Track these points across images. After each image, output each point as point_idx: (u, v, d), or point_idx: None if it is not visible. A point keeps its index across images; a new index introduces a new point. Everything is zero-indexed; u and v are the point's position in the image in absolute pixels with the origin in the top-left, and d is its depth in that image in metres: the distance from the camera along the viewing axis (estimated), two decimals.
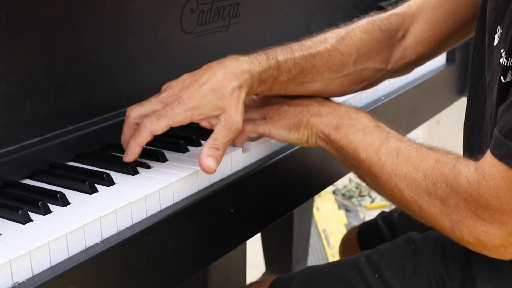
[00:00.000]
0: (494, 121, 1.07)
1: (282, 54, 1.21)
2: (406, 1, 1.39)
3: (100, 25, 1.25)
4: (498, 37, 1.09)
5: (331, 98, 1.30)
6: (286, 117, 1.24)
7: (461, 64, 2.05)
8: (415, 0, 1.38)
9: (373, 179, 1.14)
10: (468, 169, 1.02)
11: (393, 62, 1.35)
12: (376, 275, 1.24)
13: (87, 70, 1.25)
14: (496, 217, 0.99)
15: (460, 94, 2.13)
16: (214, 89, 1.12)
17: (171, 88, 1.14)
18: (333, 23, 1.87)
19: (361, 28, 1.31)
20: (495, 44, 1.09)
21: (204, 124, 1.14)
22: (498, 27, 1.09)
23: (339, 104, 1.25)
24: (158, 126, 1.10)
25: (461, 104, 3.02)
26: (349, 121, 1.19)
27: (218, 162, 1.11)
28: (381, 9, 2.02)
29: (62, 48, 1.20)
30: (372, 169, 1.13)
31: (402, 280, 1.22)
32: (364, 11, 1.97)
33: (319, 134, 1.22)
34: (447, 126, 3.43)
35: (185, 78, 1.16)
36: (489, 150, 0.99)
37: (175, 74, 1.41)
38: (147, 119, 1.11)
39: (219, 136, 1.12)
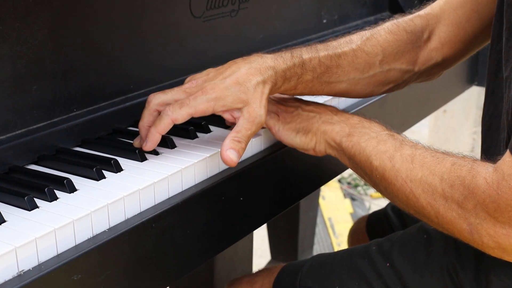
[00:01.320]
0: (511, 117, 1.05)
1: (306, 53, 1.21)
2: (429, 3, 1.39)
3: (108, 8, 1.24)
4: None
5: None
6: (297, 120, 1.23)
7: None
8: (438, 1, 1.38)
9: (386, 186, 1.11)
10: (486, 170, 0.99)
11: (420, 64, 1.34)
12: (388, 264, 1.23)
13: (95, 54, 1.23)
14: None
15: (470, 83, 2.12)
16: (238, 82, 1.12)
17: (195, 80, 1.14)
18: (343, 10, 1.87)
19: (386, 29, 1.31)
20: None
21: (227, 116, 1.13)
22: None
23: (352, 114, 1.24)
24: (180, 115, 1.10)
25: (469, 93, 3.01)
26: (362, 129, 1.17)
27: (240, 155, 1.10)
28: None
29: (70, 31, 1.18)
30: (386, 176, 1.10)
31: (413, 270, 1.21)
32: None
33: (330, 141, 1.20)
34: (454, 115, 3.40)
35: (210, 71, 1.16)
36: (508, 149, 0.96)
37: (184, 59, 1.40)
38: (169, 107, 1.11)
39: (241, 129, 1.11)
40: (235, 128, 1.11)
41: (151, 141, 1.12)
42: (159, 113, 1.13)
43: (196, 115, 1.11)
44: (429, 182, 1.04)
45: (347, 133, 1.18)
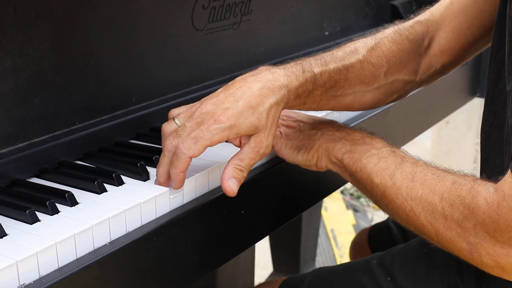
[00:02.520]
0: None
1: (316, 66, 1.16)
2: (427, 8, 1.37)
3: (110, 20, 1.24)
4: None
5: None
6: (299, 138, 1.22)
7: (473, 64, 2.05)
8: (437, 7, 1.35)
9: (387, 204, 1.11)
10: (487, 190, 0.98)
11: (421, 73, 1.33)
12: (389, 278, 1.22)
13: (97, 67, 1.24)
14: None
15: (472, 94, 2.13)
16: (251, 106, 1.06)
17: (204, 104, 1.07)
18: (345, 22, 1.87)
19: (389, 38, 1.28)
20: None
21: (236, 143, 1.09)
22: None
23: (353, 129, 1.24)
24: (197, 150, 1.04)
25: (471, 104, 3.01)
26: (363, 146, 1.17)
27: (240, 184, 1.07)
28: (393, 8, 2.02)
29: (72, 43, 1.18)
30: (387, 194, 1.10)
31: (414, 284, 1.20)
32: (376, 9, 1.97)
33: (332, 158, 1.20)
34: (457, 127, 3.40)
35: (219, 92, 1.09)
36: (509, 170, 0.96)
37: (186, 72, 1.41)
38: (183, 144, 1.04)
39: (245, 157, 1.07)
40: (239, 155, 1.08)
41: (177, 181, 1.07)
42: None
43: (212, 145, 1.06)
44: (429, 201, 1.04)
45: (349, 149, 1.17)
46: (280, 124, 1.24)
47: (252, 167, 1.19)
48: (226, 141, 1.08)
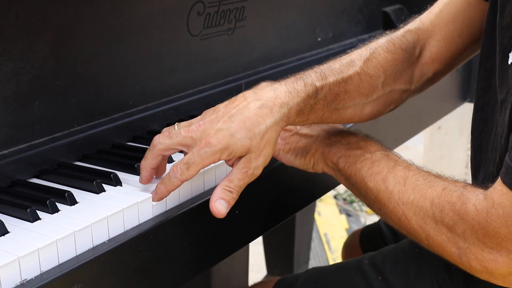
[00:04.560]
0: (505, 142, 1.06)
1: (317, 80, 1.14)
2: (416, 16, 1.36)
3: (108, 26, 1.27)
4: None
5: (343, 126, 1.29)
6: (296, 143, 1.24)
7: (464, 69, 2.05)
8: (427, 15, 1.35)
9: (380, 207, 1.13)
10: (476, 197, 1.00)
11: (415, 82, 1.32)
12: (380, 278, 1.24)
13: (95, 71, 1.26)
14: (503, 245, 0.98)
15: (463, 99, 2.13)
16: (245, 126, 1.04)
17: (203, 120, 1.06)
18: (338, 28, 1.89)
19: (384, 47, 1.27)
20: (509, 62, 1.07)
21: (229, 163, 1.08)
22: None
23: (349, 133, 1.24)
24: (190, 175, 1.04)
25: (463, 110, 3.03)
26: (358, 150, 1.18)
27: (230, 206, 1.06)
28: (385, 14, 2.04)
29: (71, 49, 1.21)
30: (380, 198, 1.12)
31: (405, 283, 1.22)
32: (368, 16, 1.99)
33: (327, 162, 1.21)
34: (449, 132, 3.42)
35: (221, 107, 1.08)
36: (499, 177, 0.97)
37: (182, 76, 1.42)
38: (177, 168, 1.04)
39: (234, 178, 1.06)
40: (229, 176, 1.06)
41: (160, 197, 1.07)
42: (163, 156, 1.09)
43: (204, 167, 1.06)
44: (420, 206, 1.06)
45: (344, 153, 1.19)
46: None
47: None
48: None
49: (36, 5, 1.13)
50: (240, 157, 1.06)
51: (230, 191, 1.05)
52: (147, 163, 1.09)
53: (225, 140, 1.04)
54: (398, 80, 1.28)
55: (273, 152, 1.19)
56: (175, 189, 1.07)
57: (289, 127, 1.25)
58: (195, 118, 1.09)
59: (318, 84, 1.13)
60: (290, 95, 1.09)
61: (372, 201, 1.14)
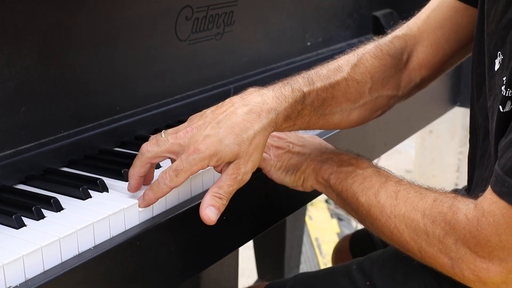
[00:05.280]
0: (494, 149, 1.07)
1: (304, 85, 1.14)
2: (404, 22, 1.37)
3: (95, 31, 1.26)
4: (499, 62, 1.07)
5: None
6: (288, 160, 1.23)
7: (453, 74, 2.06)
8: (414, 21, 1.35)
9: (372, 222, 1.13)
10: (467, 207, 1.01)
11: (403, 88, 1.32)
12: (368, 283, 1.24)
13: (82, 76, 1.26)
14: (495, 254, 0.98)
15: (453, 103, 2.14)
16: (233, 132, 1.04)
17: (190, 127, 1.06)
18: (327, 32, 1.89)
19: (371, 53, 1.27)
20: (496, 69, 1.08)
21: (218, 170, 1.07)
22: (499, 52, 1.07)
23: (340, 151, 1.25)
24: (179, 182, 1.04)
25: (454, 114, 3.03)
26: (349, 167, 1.19)
27: (220, 212, 1.05)
28: (375, 18, 2.05)
29: (58, 54, 1.20)
30: (371, 212, 1.12)
31: None
32: (358, 20, 1.99)
33: (319, 178, 1.21)
34: (440, 136, 3.43)
35: (208, 113, 1.08)
36: (489, 186, 0.98)
37: (169, 81, 1.42)
38: (166, 175, 1.04)
39: (224, 185, 1.05)
40: (218, 183, 1.06)
41: (147, 204, 1.07)
42: (151, 164, 1.09)
43: (193, 174, 1.06)
44: (412, 218, 1.06)
45: (335, 170, 1.19)
46: (271, 145, 1.24)
47: None
48: None
49: (22, 10, 1.13)
50: (228, 163, 1.06)
51: (220, 198, 1.05)
52: (136, 171, 1.08)
53: (214, 146, 1.03)
54: (385, 86, 1.28)
55: (265, 168, 1.20)
56: (164, 195, 1.07)
57: (282, 145, 1.25)
58: (182, 125, 1.08)
59: (305, 89, 1.14)
60: (278, 101, 1.09)
61: (364, 216, 1.15)
